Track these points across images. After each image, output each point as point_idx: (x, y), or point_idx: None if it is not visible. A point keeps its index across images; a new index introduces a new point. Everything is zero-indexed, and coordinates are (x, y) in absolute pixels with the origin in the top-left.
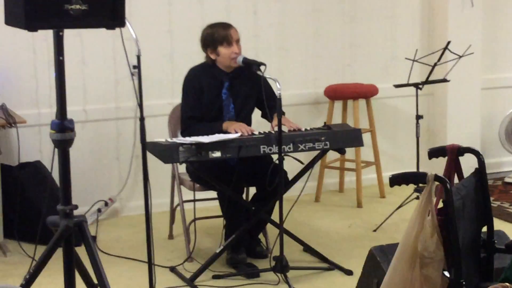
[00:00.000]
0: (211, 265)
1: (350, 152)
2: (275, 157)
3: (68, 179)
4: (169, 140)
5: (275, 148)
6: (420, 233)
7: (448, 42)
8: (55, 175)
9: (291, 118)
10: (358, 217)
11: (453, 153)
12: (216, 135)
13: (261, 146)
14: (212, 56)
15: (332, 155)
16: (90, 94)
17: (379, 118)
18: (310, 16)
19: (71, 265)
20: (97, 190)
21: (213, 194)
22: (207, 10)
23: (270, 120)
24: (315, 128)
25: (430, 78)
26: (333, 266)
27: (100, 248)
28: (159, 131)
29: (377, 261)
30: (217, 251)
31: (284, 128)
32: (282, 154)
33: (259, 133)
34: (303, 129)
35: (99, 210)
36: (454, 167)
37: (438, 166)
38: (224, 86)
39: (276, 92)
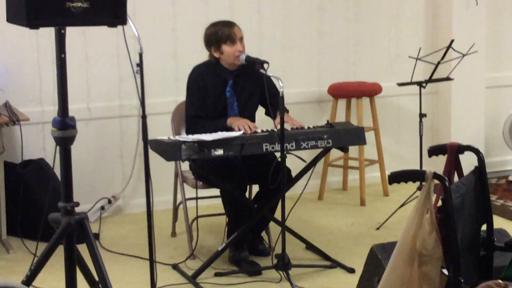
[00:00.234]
0: (213, 263)
1: (353, 150)
2: (278, 155)
3: (69, 176)
4: (171, 138)
5: (277, 146)
6: (418, 230)
7: (452, 41)
8: (58, 173)
9: (295, 116)
10: (361, 215)
11: (453, 151)
12: (219, 133)
13: (264, 144)
14: (216, 55)
15: (335, 153)
16: (94, 92)
17: (382, 117)
18: (314, 14)
19: (73, 262)
20: (100, 188)
21: (215, 192)
22: (211, 8)
23: (273, 118)
24: (318, 126)
25: (434, 77)
26: (335, 264)
27: (103, 245)
28: (163, 129)
29: (379, 258)
30: (220, 249)
31: (287, 126)
32: (285, 152)
33: (262, 131)
34: (306, 127)
35: (102, 208)
36: (454, 165)
37: (441, 164)
38: (228, 84)
39: (279, 90)
